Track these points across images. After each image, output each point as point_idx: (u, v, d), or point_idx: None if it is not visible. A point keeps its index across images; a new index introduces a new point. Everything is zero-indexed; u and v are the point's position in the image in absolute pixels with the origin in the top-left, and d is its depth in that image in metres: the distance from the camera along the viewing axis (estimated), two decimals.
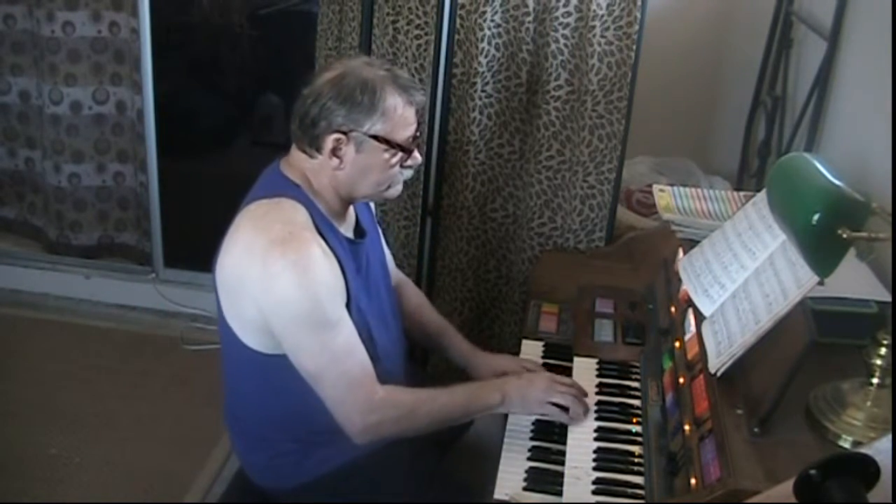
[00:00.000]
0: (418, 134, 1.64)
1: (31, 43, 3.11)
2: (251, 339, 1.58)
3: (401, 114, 1.59)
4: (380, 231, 1.87)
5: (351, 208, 1.72)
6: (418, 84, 1.83)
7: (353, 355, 1.56)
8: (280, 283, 1.48)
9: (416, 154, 1.64)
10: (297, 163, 1.63)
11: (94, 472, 2.38)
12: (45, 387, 2.71)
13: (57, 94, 3.09)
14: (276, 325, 1.53)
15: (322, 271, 1.51)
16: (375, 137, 1.57)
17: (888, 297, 1.62)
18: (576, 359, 1.85)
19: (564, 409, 1.65)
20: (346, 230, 1.69)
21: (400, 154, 1.61)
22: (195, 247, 3.21)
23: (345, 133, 1.56)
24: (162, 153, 3.09)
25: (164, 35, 3.08)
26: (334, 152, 1.58)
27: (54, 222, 3.28)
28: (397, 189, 1.68)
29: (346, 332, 1.55)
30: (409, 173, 1.67)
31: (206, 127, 3.83)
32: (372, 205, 1.87)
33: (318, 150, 1.59)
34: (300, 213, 1.55)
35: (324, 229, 1.57)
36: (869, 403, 1.37)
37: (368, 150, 1.58)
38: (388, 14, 2.31)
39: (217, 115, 3.89)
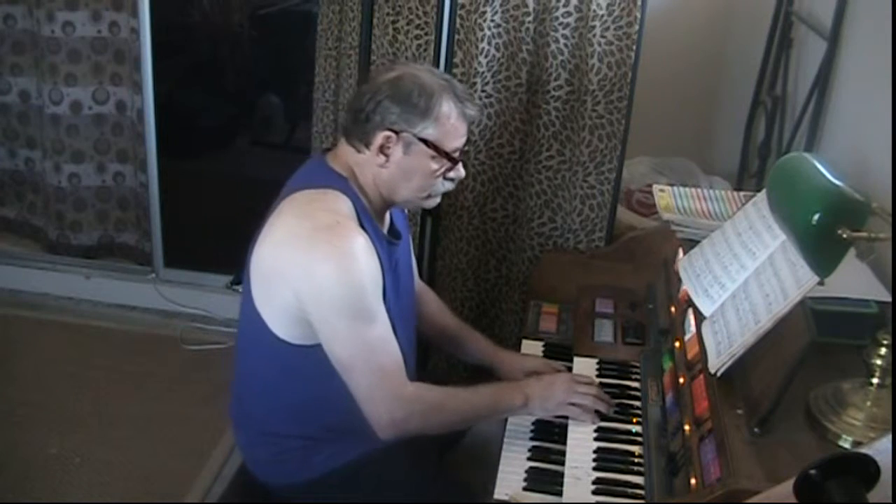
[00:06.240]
0: (466, 149, 1.64)
1: (31, 43, 3.11)
2: (282, 328, 1.58)
3: (453, 123, 1.59)
4: (410, 237, 1.88)
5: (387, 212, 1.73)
6: (475, 98, 1.81)
7: (386, 348, 1.56)
8: (323, 269, 1.49)
9: (461, 168, 1.65)
10: (344, 156, 1.64)
11: (94, 472, 2.38)
12: (45, 387, 2.70)
13: (57, 94, 3.09)
14: (313, 313, 1.52)
15: (365, 262, 1.52)
16: (425, 141, 1.58)
17: (888, 297, 1.61)
18: (576, 359, 1.85)
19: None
20: (384, 230, 1.70)
21: (446, 164, 1.61)
22: (195, 247, 3.24)
23: (396, 132, 1.57)
24: (162, 153, 3.09)
25: (164, 35, 3.08)
26: (382, 149, 1.59)
27: (54, 222, 3.28)
28: (436, 200, 1.68)
29: (382, 325, 1.56)
30: (449, 186, 1.67)
31: (206, 127, 3.84)
32: (406, 210, 1.87)
33: (367, 145, 1.60)
34: (346, 205, 1.56)
35: (366, 223, 1.58)
36: (869, 403, 1.37)
37: (415, 154, 1.59)
38: (388, 14, 2.31)
39: (217, 115, 3.89)
